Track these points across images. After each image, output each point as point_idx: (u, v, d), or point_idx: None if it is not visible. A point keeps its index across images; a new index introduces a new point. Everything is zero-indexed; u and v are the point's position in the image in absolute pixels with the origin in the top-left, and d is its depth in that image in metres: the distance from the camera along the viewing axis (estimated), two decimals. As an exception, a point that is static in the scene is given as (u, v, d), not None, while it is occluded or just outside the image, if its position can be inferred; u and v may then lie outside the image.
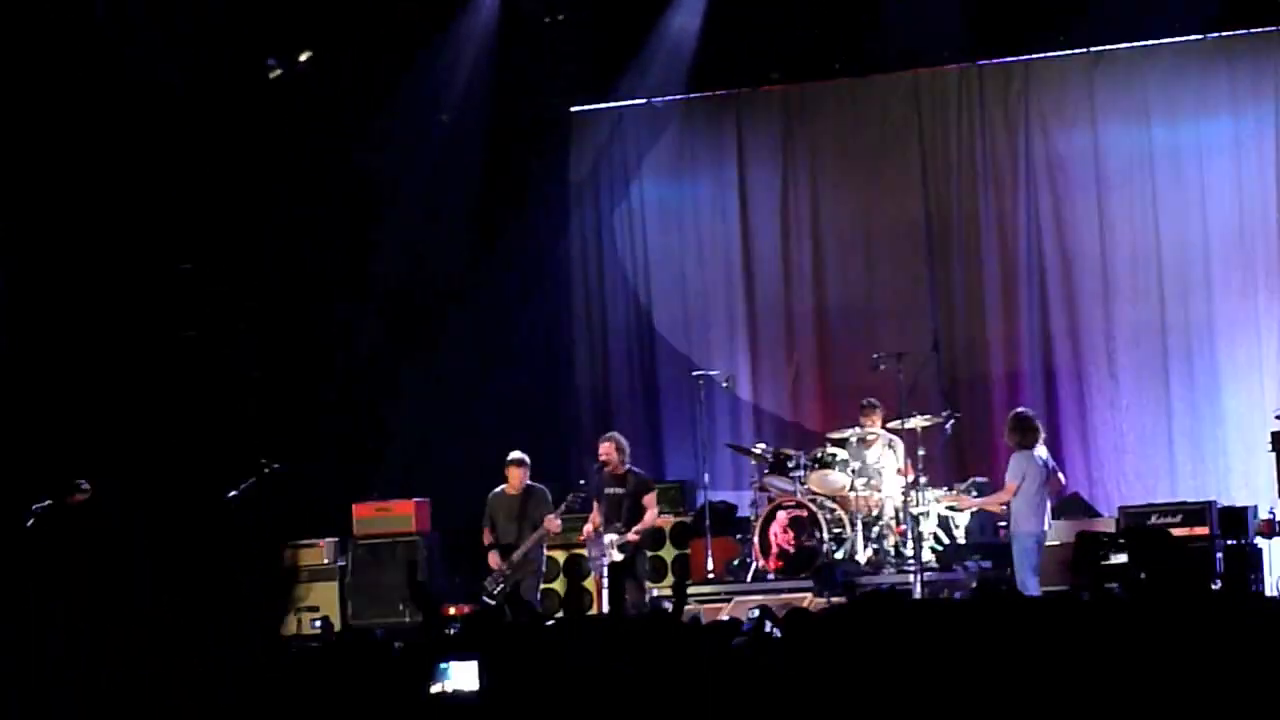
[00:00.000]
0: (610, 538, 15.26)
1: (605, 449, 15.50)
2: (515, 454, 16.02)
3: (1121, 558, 13.38)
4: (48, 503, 16.37)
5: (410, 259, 19.09)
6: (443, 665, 5.29)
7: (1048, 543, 15.08)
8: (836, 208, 19.31)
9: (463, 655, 5.34)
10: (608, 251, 20.06)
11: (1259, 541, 15.74)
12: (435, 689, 5.26)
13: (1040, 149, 18.53)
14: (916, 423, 16.50)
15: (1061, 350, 18.37)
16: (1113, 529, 15.66)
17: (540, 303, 19.85)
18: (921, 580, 15.48)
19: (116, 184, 17.39)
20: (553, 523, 15.62)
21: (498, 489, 16.00)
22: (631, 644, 5.89)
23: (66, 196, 17.24)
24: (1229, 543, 15.53)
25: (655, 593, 16.20)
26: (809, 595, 15.62)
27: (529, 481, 15.90)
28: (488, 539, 15.92)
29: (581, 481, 15.73)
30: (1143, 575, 8.09)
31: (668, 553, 17.72)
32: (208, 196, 17.77)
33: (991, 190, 18.69)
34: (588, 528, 15.60)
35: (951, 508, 16.43)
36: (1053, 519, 15.22)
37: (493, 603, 15.39)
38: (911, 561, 15.84)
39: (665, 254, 19.97)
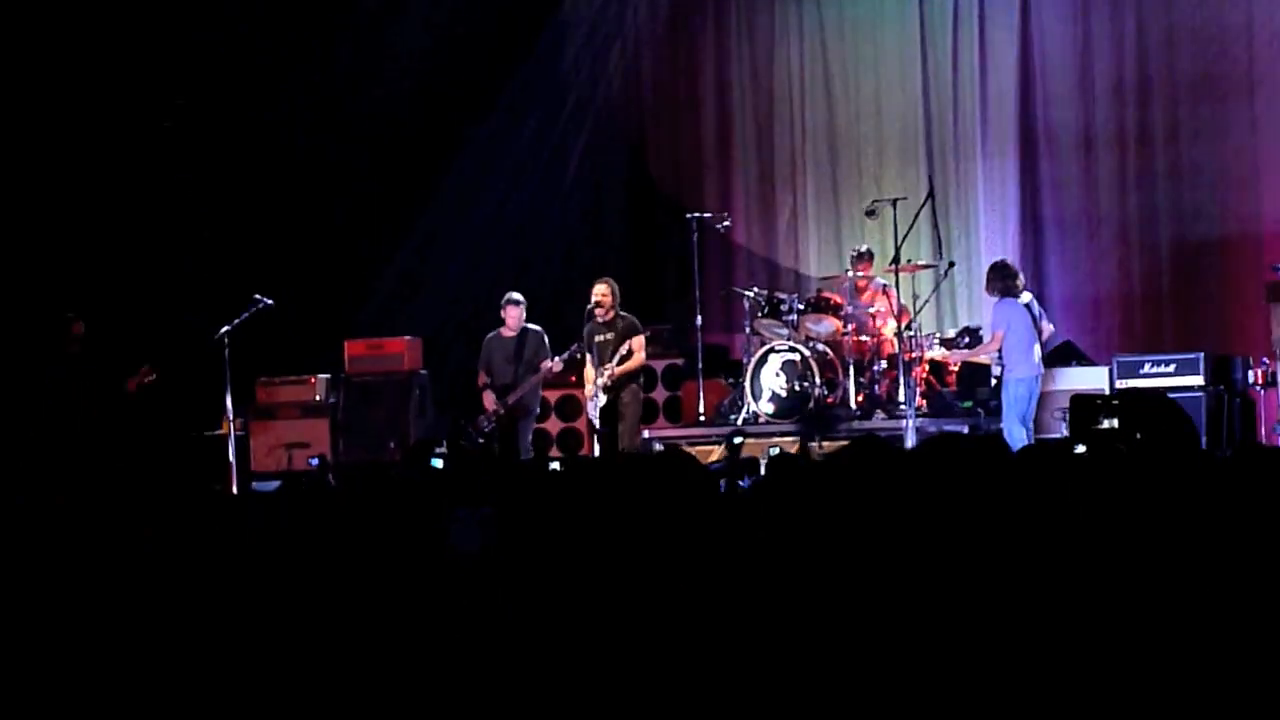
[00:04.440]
0: (600, 381, 15.27)
1: (599, 290, 15.48)
2: (512, 294, 16.01)
3: (1114, 422, 13.32)
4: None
5: (402, 93, 18.86)
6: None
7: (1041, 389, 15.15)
8: (835, 51, 19.08)
9: (465, 508, 5.25)
10: (601, 90, 19.87)
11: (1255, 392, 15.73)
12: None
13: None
14: (910, 269, 16.47)
15: (1051, 198, 18.20)
16: (1106, 379, 15.66)
17: (532, 144, 19.67)
18: (914, 426, 15.48)
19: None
20: (550, 366, 15.62)
21: (494, 331, 15.99)
22: (626, 485, 5.84)
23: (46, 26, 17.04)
24: (1221, 392, 15.53)
25: (647, 434, 16.23)
26: (799, 440, 15.63)
27: (526, 324, 15.90)
28: (482, 380, 15.92)
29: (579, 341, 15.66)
30: (1139, 437, 8.05)
31: (659, 395, 17.77)
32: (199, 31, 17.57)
33: (988, 35, 18.43)
34: (588, 387, 15.58)
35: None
36: (1044, 367, 15.23)
37: (482, 441, 15.45)
38: (904, 408, 15.85)
39: (660, 94, 19.78)
